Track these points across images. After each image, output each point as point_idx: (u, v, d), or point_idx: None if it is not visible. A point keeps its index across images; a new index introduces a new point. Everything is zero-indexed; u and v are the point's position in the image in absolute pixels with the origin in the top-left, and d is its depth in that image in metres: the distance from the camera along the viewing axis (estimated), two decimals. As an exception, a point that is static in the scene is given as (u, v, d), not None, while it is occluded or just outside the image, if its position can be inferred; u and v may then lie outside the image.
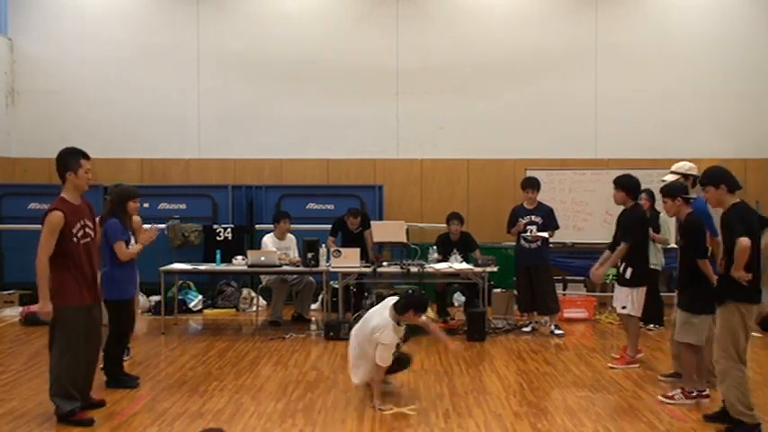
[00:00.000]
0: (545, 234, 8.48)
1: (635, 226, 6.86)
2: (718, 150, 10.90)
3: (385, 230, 9.04)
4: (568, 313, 9.33)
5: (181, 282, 9.65)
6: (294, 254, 9.21)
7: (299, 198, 10.75)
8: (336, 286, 8.89)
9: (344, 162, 11.41)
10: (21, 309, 9.48)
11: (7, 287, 10.48)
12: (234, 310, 10.14)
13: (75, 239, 5.14)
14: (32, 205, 10.41)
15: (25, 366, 6.93)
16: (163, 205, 10.68)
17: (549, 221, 8.58)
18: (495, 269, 8.46)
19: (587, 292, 10.25)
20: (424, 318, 5.98)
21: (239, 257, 8.87)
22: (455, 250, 9.04)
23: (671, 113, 11.19)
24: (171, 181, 11.30)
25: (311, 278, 9.22)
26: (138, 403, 5.74)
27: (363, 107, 11.40)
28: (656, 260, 8.35)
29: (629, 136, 11.18)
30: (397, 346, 5.70)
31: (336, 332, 8.09)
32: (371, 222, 9.31)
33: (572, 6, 11.43)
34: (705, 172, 5.24)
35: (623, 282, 6.86)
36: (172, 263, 8.91)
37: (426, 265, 8.48)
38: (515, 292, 9.01)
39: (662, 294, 8.71)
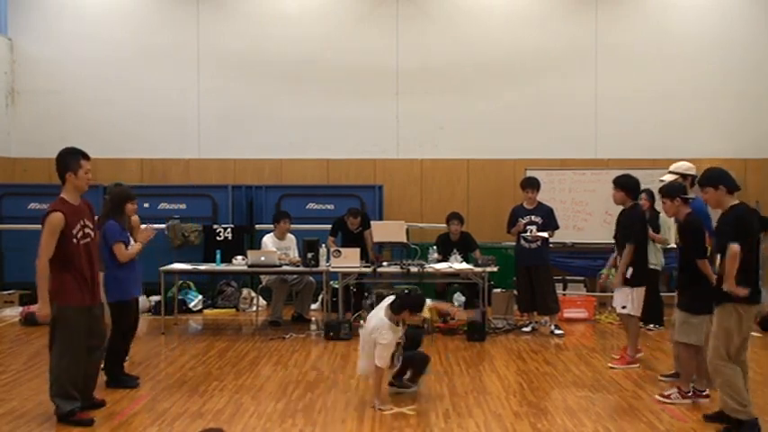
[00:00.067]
0: (545, 234, 8.48)
1: (634, 226, 6.86)
2: (718, 150, 10.89)
3: (385, 230, 9.04)
4: (568, 313, 9.32)
5: (181, 282, 9.64)
6: (294, 254, 9.21)
7: (299, 198, 10.75)
8: (336, 286, 8.89)
9: (344, 162, 11.40)
10: (21, 309, 9.48)
11: (7, 287, 10.47)
12: (234, 310, 10.14)
13: (75, 240, 5.13)
14: (32, 205, 10.41)
15: (25, 366, 6.93)
16: (163, 205, 10.69)
17: (549, 221, 8.57)
18: (495, 269, 8.45)
19: (587, 292, 10.26)
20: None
21: (239, 257, 8.87)
22: (455, 250, 9.05)
23: (671, 113, 11.18)
24: (171, 181, 11.29)
25: (311, 278, 9.21)
26: (138, 403, 5.74)
27: (363, 107, 11.39)
28: (656, 260, 8.34)
29: (629, 136, 11.17)
30: (397, 345, 5.70)
31: (336, 332, 8.09)
32: (371, 222, 9.31)
33: (572, 6, 11.42)
34: (704, 173, 5.24)
35: (623, 281, 6.86)
36: (172, 263, 8.91)
37: (426, 265, 8.48)
38: (515, 292, 9.00)
39: (662, 294, 8.70)
